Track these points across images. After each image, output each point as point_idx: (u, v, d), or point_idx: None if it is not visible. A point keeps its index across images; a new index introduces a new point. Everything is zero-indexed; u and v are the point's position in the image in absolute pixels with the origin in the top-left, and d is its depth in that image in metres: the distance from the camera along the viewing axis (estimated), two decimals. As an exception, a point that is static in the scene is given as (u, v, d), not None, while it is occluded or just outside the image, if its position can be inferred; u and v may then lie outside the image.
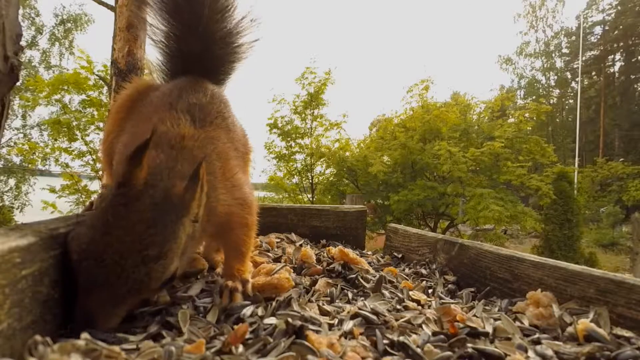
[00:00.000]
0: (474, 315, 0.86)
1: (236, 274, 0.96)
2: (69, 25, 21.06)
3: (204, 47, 1.22)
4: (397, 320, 0.81)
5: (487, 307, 0.95)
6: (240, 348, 0.65)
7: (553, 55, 35.22)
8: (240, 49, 1.29)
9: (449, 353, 0.67)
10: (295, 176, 12.73)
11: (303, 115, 12.32)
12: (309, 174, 12.55)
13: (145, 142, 0.74)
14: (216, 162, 0.95)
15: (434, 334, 0.76)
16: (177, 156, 0.85)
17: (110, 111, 1.25)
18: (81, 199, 9.35)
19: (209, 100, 1.07)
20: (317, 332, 0.72)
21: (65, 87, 9.02)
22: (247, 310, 0.81)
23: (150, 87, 1.22)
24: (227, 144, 1.02)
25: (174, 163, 0.83)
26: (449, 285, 1.16)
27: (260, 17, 1.24)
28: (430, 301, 0.99)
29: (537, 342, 0.73)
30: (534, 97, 29.93)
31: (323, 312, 0.86)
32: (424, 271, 1.29)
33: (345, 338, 0.72)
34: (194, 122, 0.97)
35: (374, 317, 0.81)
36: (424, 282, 1.15)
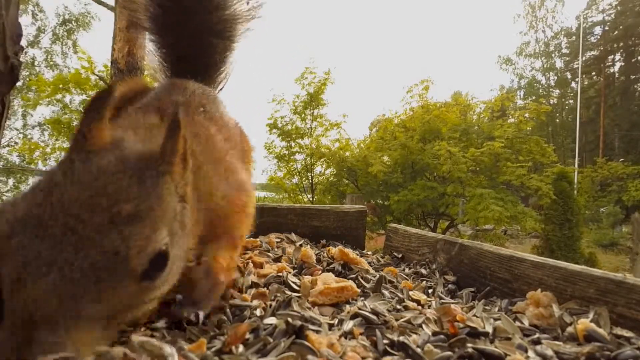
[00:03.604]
0: (474, 315, 0.86)
1: (210, 270, 0.77)
2: (71, 25, 21.07)
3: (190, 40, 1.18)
4: (397, 320, 0.81)
5: (487, 307, 0.95)
6: (241, 348, 0.65)
7: (553, 55, 35.27)
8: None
9: (449, 353, 0.67)
10: (295, 176, 12.73)
11: (303, 115, 12.33)
12: (309, 174, 12.55)
13: (108, 90, 0.59)
14: (205, 144, 0.84)
15: (434, 334, 0.76)
16: (157, 133, 0.71)
17: None
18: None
19: (189, 98, 0.99)
20: (317, 332, 0.72)
21: (66, 87, 9.04)
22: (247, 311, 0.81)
23: (145, 90, 1.20)
24: (215, 132, 0.93)
25: (150, 136, 0.70)
26: (449, 285, 1.16)
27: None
28: (430, 301, 0.98)
29: (537, 342, 0.73)
30: (534, 97, 29.93)
31: (323, 312, 0.85)
32: (424, 271, 1.29)
33: (345, 338, 0.72)
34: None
35: (374, 317, 0.80)
36: (424, 282, 1.15)
